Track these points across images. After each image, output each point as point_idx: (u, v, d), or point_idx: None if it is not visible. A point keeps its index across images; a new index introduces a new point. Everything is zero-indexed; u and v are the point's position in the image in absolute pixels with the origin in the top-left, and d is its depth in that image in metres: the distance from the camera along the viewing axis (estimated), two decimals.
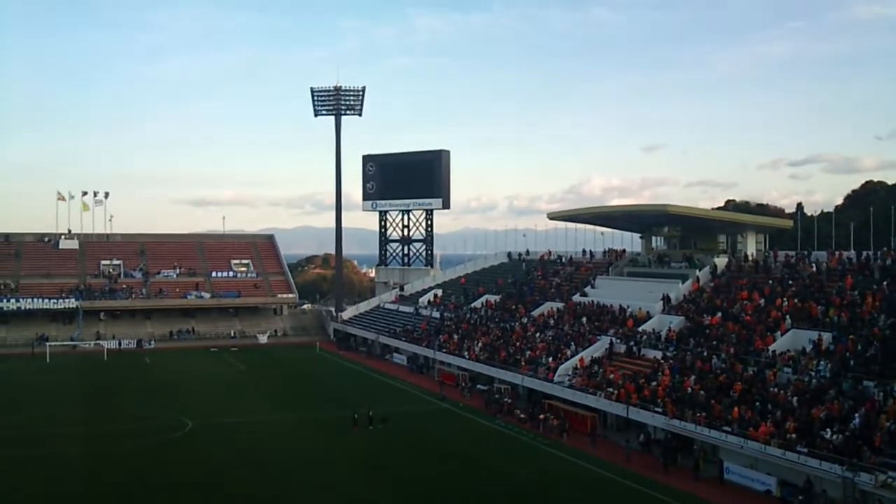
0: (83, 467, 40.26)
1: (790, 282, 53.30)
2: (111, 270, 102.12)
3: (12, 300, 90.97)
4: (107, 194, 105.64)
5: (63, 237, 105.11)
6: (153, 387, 65.00)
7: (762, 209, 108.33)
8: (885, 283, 47.24)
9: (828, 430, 35.35)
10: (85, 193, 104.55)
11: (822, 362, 41.24)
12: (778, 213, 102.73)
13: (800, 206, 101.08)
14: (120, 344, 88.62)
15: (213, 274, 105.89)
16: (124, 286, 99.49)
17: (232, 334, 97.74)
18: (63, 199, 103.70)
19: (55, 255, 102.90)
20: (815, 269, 53.93)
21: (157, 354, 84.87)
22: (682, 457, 40.99)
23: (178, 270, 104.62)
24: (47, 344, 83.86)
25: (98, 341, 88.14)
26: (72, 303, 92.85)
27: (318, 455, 43.23)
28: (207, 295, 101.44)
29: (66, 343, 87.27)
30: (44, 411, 54.54)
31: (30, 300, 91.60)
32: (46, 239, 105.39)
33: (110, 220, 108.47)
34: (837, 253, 55.42)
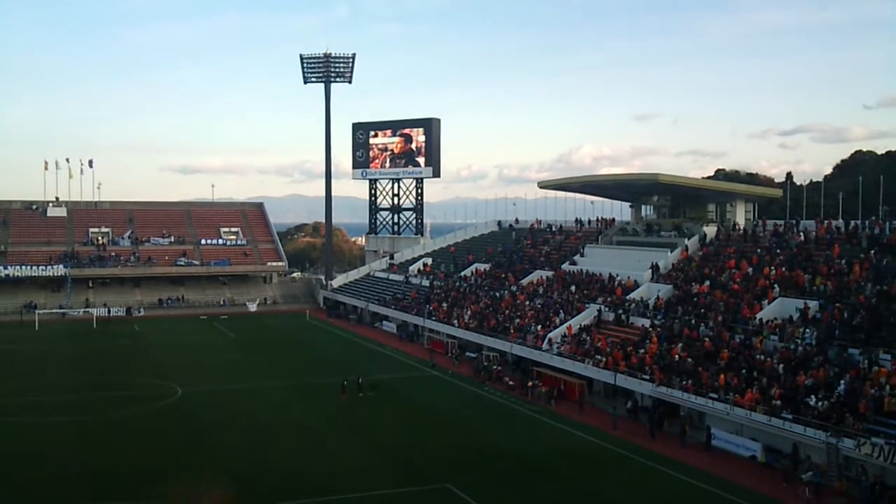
0: (74, 434, 40.39)
1: (778, 251, 53.52)
2: (100, 238, 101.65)
3: (0, 268, 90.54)
4: (90, 162, 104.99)
5: (51, 205, 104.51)
6: (143, 354, 65.04)
7: (751, 178, 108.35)
8: (872, 251, 47.47)
9: (813, 396, 35.71)
10: (68, 160, 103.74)
11: (808, 330, 41.55)
12: (767, 182, 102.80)
13: (789, 175, 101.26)
14: (109, 312, 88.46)
15: (203, 242, 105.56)
16: (113, 254, 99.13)
17: (221, 302, 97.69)
18: (48, 168, 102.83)
19: (43, 222, 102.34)
20: (803, 238, 54.12)
21: (147, 322, 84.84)
22: (669, 423, 41.39)
23: (168, 239, 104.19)
24: (36, 312, 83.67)
25: (87, 309, 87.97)
26: (60, 270, 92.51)
27: (308, 421, 43.47)
28: (197, 263, 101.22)
29: (54, 311, 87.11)
30: (34, 379, 54.57)
31: (18, 268, 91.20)
32: (34, 207, 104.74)
33: (98, 188, 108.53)
34: (826, 222, 55.60)
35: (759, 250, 54.84)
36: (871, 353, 37.22)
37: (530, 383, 50.19)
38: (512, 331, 58.94)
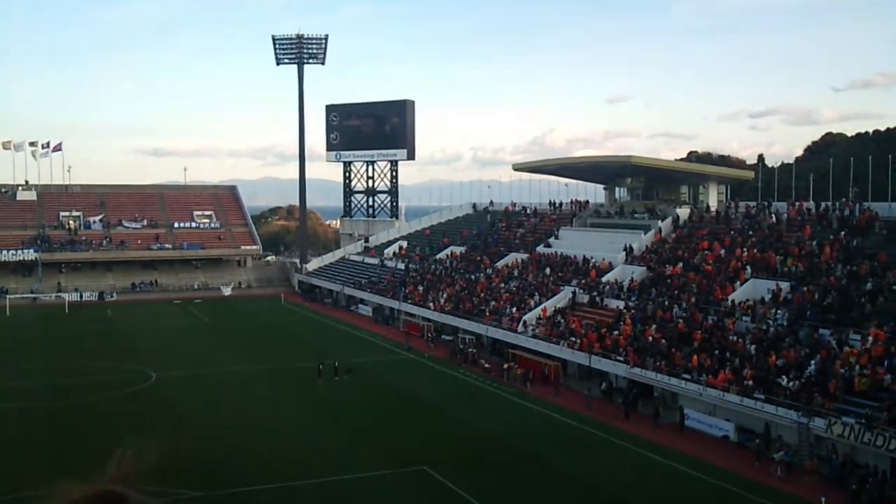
0: (48, 419, 40.10)
1: (750, 232, 54.04)
2: (71, 222, 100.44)
3: None
4: (57, 145, 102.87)
5: (20, 188, 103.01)
6: (116, 339, 64.53)
7: (723, 160, 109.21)
8: (842, 233, 48.07)
9: (784, 377, 36.22)
10: (33, 144, 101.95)
11: (779, 311, 42.09)
12: (739, 164, 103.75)
13: (760, 157, 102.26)
14: (81, 296, 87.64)
15: (176, 225, 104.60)
16: (84, 238, 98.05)
17: (195, 286, 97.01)
18: (8, 147, 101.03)
19: (12, 206, 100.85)
20: (774, 219, 54.68)
21: (120, 307, 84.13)
22: (643, 404, 41.79)
23: (141, 223, 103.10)
24: (7, 297, 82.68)
25: (59, 294, 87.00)
26: (31, 255, 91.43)
27: (284, 405, 43.45)
28: (170, 246, 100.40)
29: (26, 296, 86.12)
30: (6, 365, 53.95)
31: None
32: (3, 190, 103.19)
33: (68, 171, 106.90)
34: (797, 204, 56.21)
35: (731, 232, 55.34)
36: (842, 333, 37.81)
37: (506, 365, 50.43)
38: (487, 313, 59.14)
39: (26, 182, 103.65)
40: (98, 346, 61.05)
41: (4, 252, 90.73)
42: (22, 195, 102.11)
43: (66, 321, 74.32)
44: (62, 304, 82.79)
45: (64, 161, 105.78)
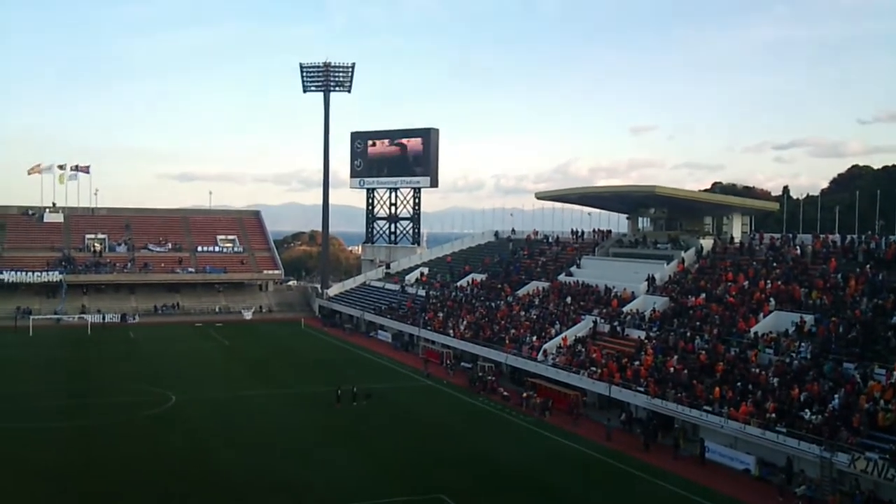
0: (68, 440, 40.22)
1: (774, 264, 53.52)
2: (96, 244, 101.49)
3: None
4: (84, 167, 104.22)
5: (48, 210, 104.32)
6: (137, 361, 64.83)
7: (748, 192, 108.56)
8: (868, 266, 47.48)
9: (807, 410, 35.65)
10: (62, 167, 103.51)
11: (803, 344, 41.53)
12: (764, 195, 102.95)
13: (786, 189, 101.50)
14: (104, 318, 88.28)
15: (199, 249, 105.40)
16: (109, 260, 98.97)
17: (217, 310, 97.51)
18: (37, 172, 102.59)
19: (39, 228, 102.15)
20: (799, 251, 54.15)
21: (142, 329, 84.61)
22: (663, 436, 41.28)
23: (165, 246, 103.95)
24: (30, 317, 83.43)
25: (82, 315, 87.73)
26: (56, 276, 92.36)
27: (302, 430, 43.32)
28: (193, 270, 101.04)
29: (49, 316, 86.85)
30: (28, 385, 54.32)
31: (13, 273, 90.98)
32: (31, 212, 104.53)
33: (95, 194, 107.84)
34: (822, 236, 55.65)
35: (755, 263, 54.84)
36: (866, 367, 37.21)
37: (525, 394, 50.04)
38: (507, 341, 58.86)
39: (53, 204, 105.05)
40: (119, 368, 61.34)
41: (30, 273, 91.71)
42: (49, 217, 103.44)
43: (89, 343, 74.78)
44: (85, 325, 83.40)
45: (91, 184, 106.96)
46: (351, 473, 35.52)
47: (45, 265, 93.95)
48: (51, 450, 38.34)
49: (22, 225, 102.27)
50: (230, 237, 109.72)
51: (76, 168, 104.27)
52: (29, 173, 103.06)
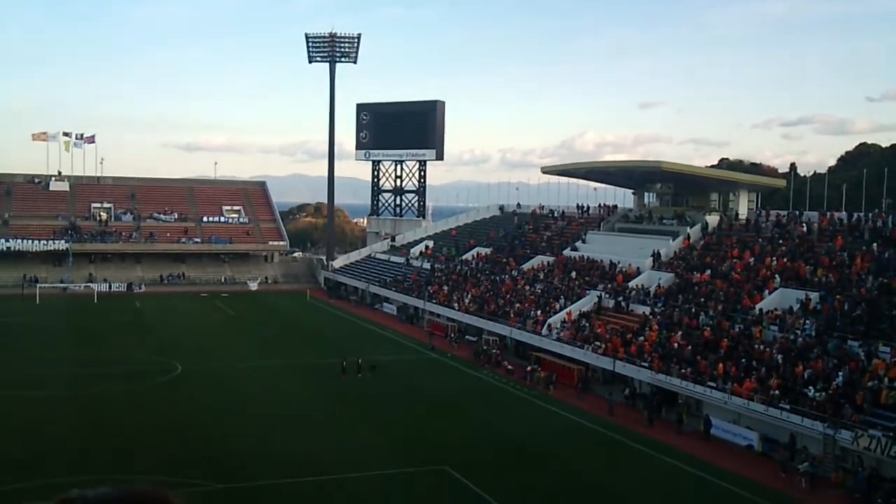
0: (75, 408, 40.56)
1: (780, 241, 53.51)
2: (102, 214, 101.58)
3: (2, 240, 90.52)
4: (90, 137, 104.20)
5: (53, 179, 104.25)
6: (143, 330, 65.18)
7: (755, 168, 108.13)
8: (874, 244, 47.45)
9: (811, 387, 35.80)
10: (67, 134, 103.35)
11: (808, 321, 41.61)
12: (771, 172, 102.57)
13: (793, 166, 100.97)
14: (110, 287, 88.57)
15: (205, 219, 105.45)
16: (115, 229, 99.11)
17: (222, 280, 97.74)
18: (42, 139, 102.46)
19: (45, 196, 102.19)
20: (805, 229, 54.11)
21: (148, 298, 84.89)
22: (666, 411, 41.49)
23: (171, 216, 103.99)
24: (37, 285, 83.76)
25: (88, 284, 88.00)
26: (62, 245, 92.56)
27: (306, 401, 43.63)
28: (198, 240, 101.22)
29: (56, 285, 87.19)
30: (35, 353, 54.65)
31: (19, 241, 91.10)
32: (37, 180, 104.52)
33: (101, 163, 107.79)
34: (829, 214, 55.58)
35: (760, 240, 54.83)
36: (871, 345, 37.33)
37: (529, 368, 50.29)
38: (512, 315, 59.02)
39: (59, 173, 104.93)
40: (125, 337, 61.68)
41: (36, 241, 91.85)
42: (55, 186, 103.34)
43: (95, 311, 75.13)
44: (91, 294, 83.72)
45: (97, 153, 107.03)
46: (355, 444, 35.80)
47: (52, 234, 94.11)
48: (58, 418, 38.67)
49: (28, 193, 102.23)
50: (236, 208, 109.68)
51: (81, 137, 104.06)
52: (34, 139, 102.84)
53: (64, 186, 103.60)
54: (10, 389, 43.98)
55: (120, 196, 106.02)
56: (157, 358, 53.36)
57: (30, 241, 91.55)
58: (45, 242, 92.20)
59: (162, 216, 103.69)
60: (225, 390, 45.48)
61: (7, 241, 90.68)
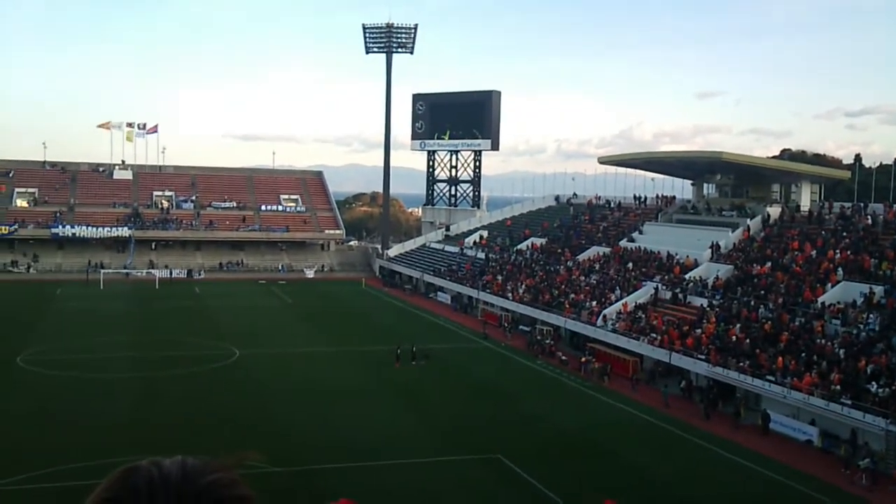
0: (136, 391, 41.57)
1: (844, 233, 52.27)
2: (163, 201, 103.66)
3: (67, 227, 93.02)
4: (153, 127, 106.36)
5: (117, 167, 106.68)
6: (203, 316, 66.44)
7: (818, 159, 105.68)
8: None
9: (874, 383, 34.97)
10: (130, 125, 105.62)
11: (871, 315, 40.62)
12: (834, 163, 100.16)
13: (857, 157, 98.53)
14: (171, 273, 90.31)
15: (263, 208, 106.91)
16: (175, 217, 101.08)
17: (280, 268, 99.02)
18: (106, 128, 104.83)
19: (109, 184, 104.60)
20: (870, 221, 52.76)
21: (207, 285, 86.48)
22: (723, 405, 40.91)
23: (230, 204, 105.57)
24: (101, 271, 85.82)
25: (150, 270, 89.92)
26: (125, 232, 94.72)
27: (361, 387, 44.00)
28: (257, 228, 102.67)
29: (119, 271, 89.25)
30: (101, 337, 56.08)
31: (84, 228, 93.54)
32: (101, 169, 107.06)
33: (163, 152, 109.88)
34: (895, 205, 54.08)
35: (823, 233, 53.63)
36: None
37: (584, 359, 49.99)
38: (567, 306, 58.71)
39: (122, 162, 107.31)
40: (185, 323, 62.95)
41: (100, 228, 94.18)
42: (118, 174, 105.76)
43: (156, 297, 76.74)
44: (153, 280, 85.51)
45: (158, 143, 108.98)
46: (408, 431, 36.05)
47: (115, 221, 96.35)
48: (120, 400, 39.68)
49: (92, 181, 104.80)
50: (293, 197, 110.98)
51: (143, 127, 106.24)
52: (98, 127, 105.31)
53: (127, 175, 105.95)
54: (74, 370, 45.28)
55: (181, 185, 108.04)
56: (215, 343, 54.34)
57: (94, 228, 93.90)
58: (109, 229, 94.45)
59: (221, 204, 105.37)
60: (280, 376, 46.12)
61: (72, 227, 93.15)
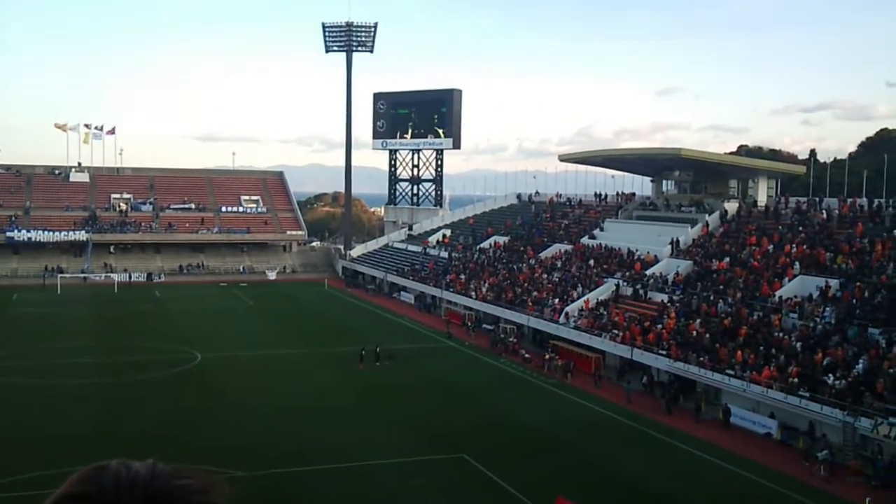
0: (95, 397, 40.97)
1: (800, 228, 53.13)
2: (121, 204, 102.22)
3: (23, 231, 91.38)
4: (111, 129, 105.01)
5: (73, 170, 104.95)
6: (163, 320, 65.67)
7: (775, 155, 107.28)
8: (895, 231, 47.01)
9: (831, 375, 35.58)
10: (87, 126, 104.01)
11: (827, 309, 41.33)
12: (790, 159, 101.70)
13: (813, 152, 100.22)
14: (130, 277, 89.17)
15: (223, 209, 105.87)
16: (134, 220, 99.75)
17: (241, 269, 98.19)
18: (63, 129, 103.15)
19: (65, 187, 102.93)
20: (825, 216, 53.67)
21: (167, 288, 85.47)
22: (684, 399, 41.37)
23: (189, 206, 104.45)
24: (58, 276, 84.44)
25: (108, 274, 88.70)
26: (82, 235, 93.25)
27: (325, 389, 43.80)
28: (217, 230, 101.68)
29: (76, 275, 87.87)
30: (57, 342, 55.14)
31: (40, 232, 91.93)
32: (56, 171, 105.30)
33: (120, 154, 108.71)
34: (849, 200, 55.08)
35: (780, 228, 54.46)
36: (891, 332, 37.03)
37: (547, 356, 50.24)
38: (529, 304, 58.98)
39: (79, 164, 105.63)
40: (145, 326, 62.15)
41: (56, 232, 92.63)
42: (75, 177, 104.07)
43: (116, 301, 75.70)
44: (111, 284, 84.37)
45: (116, 144, 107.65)
46: (373, 432, 35.95)
47: (72, 224, 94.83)
48: (80, 406, 39.07)
49: (48, 184, 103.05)
50: (254, 198, 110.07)
51: (101, 128, 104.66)
52: (56, 127, 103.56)
53: (84, 177, 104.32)
54: (32, 377, 44.48)
55: (139, 187, 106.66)
56: (177, 347, 53.74)
57: (50, 232, 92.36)
58: (66, 233, 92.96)
59: (181, 206, 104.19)
60: (243, 379, 45.76)
61: (28, 231, 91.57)
